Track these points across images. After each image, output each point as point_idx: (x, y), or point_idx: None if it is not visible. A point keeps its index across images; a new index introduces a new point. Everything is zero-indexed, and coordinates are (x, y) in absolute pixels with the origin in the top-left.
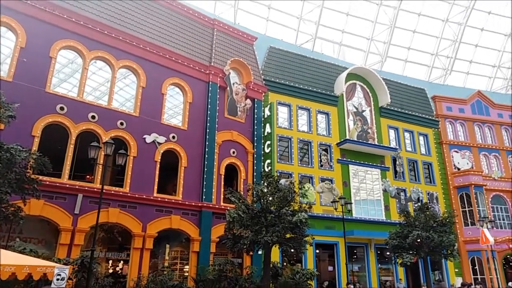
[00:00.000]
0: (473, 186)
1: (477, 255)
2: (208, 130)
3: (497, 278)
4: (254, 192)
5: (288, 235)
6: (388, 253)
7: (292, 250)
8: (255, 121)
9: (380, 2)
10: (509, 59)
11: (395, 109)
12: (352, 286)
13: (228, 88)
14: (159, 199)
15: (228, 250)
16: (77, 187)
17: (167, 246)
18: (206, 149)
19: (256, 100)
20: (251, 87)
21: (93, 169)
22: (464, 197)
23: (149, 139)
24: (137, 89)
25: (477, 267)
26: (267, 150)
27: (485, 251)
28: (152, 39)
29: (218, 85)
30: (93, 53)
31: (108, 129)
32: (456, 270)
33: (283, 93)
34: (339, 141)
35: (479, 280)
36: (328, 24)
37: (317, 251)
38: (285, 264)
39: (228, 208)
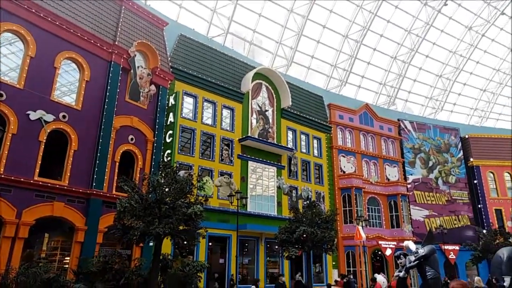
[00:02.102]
0: (354, 188)
1: (352, 250)
2: (105, 113)
3: (366, 270)
4: (150, 182)
5: (181, 227)
6: (276, 246)
7: (186, 243)
8: (158, 109)
9: (290, 8)
10: (391, 78)
11: (295, 112)
12: (283, 278)
13: (131, 71)
14: (40, 183)
15: (117, 242)
16: None
17: (47, 235)
18: (101, 133)
19: (161, 87)
20: (157, 73)
21: None
22: (346, 197)
23: (33, 116)
24: (24, 58)
25: (351, 260)
26: (168, 140)
27: (359, 246)
28: (47, 5)
29: (121, 66)
30: None
31: None
32: (334, 263)
33: (190, 84)
34: (241, 137)
35: (351, 272)
36: (241, 21)
37: (210, 243)
38: (179, 256)
39: (120, 197)
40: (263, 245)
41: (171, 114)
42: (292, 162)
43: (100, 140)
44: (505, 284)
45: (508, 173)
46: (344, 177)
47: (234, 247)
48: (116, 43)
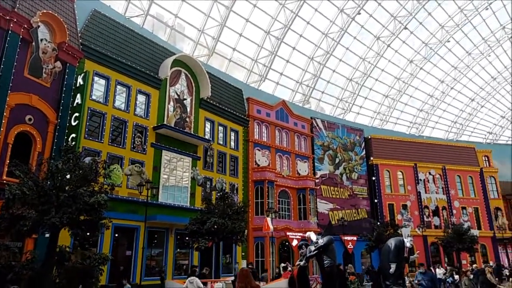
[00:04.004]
0: (267, 181)
1: (261, 241)
2: None
3: (273, 260)
4: (48, 168)
5: (82, 217)
6: (187, 238)
7: (88, 234)
8: (64, 89)
9: None
10: (308, 78)
11: (214, 103)
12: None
13: (33, 44)
14: None
15: (5, 233)
16: None
17: None
18: None
19: (68, 65)
20: (64, 49)
21: None
22: (259, 190)
23: None
24: None
25: (260, 251)
26: (74, 123)
27: (269, 237)
28: None
29: (21, 37)
30: None
31: None
32: (243, 253)
33: (103, 64)
34: (156, 125)
35: (259, 261)
36: (162, 4)
37: (116, 235)
38: (78, 248)
39: (10, 183)
40: (173, 237)
41: (78, 95)
42: (208, 153)
43: None
44: (391, 270)
45: (401, 171)
46: (258, 170)
47: (142, 239)
48: (16, 10)
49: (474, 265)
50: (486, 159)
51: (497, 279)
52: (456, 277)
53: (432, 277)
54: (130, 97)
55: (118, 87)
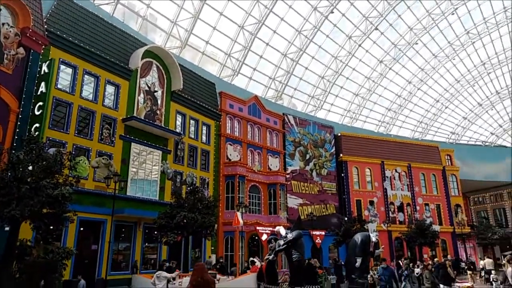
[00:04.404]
0: (238, 176)
1: (231, 235)
2: None
3: (242, 254)
4: (11, 159)
5: (45, 210)
6: (156, 232)
7: (51, 227)
8: (28, 76)
9: None
10: (280, 74)
11: (186, 96)
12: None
13: None
14: None
15: None
16: None
17: None
18: None
19: (32, 51)
20: (28, 35)
21: None
22: (230, 184)
23: None
24: None
25: (229, 245)
26: (37, 113)
27: (238, 232)
28: None
29: None
30: None
31: None
32: (213, 248)
33: (70, 52)
34: (125, 117)
35: (229, 256)
36: None
37: (82, 228)
38: (41, 242)
39: None
40: (141, 231)
41: (43, 84)
42: (179, 147)
43: None
44: (356, 264)
45: (369, 169)
46: (230, 164)
47: (109, 232)
48: None
49: (436, 259)
50: (449, 158)
51: (455, 272)
52: (418, 270)
53: (392, 272)
54: (98, 88)
55: (86, 76)
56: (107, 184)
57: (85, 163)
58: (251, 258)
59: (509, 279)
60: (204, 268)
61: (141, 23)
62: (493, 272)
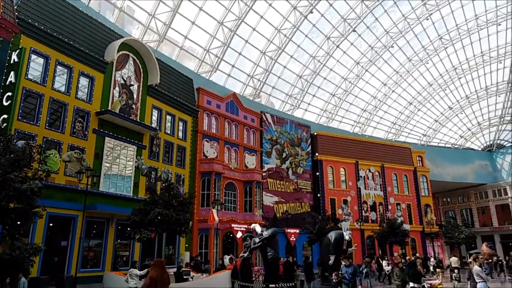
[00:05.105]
0: (214, 173)
1: (206, 233)
2: None
3: (217, 251)
4: None
5: (12, 205)
6: (129, 228)
7: (19, 223)
8: None
9: None
10: (259, 72)
11: (163, 91)
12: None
13: None
14: None
15: None
16: None
17: None
18: None
19: (1, 39)
20: None
21: None
22: (206, 181)
23: None
24: None
25: (204, 242)
26: (5, 103)
27: (213, 229)
28: None
29: None
30: None
31: None
32: (187, 245)
33: (41, 42)
34: (99, 111)
35: (203, 253)
36: None
37: (52, 224)
38: (7, 238)
39: None
40: (114, 227)
41: (12, 73)
42: (155, 142)
43: None
44: (330, 262)
45: (344, 168)
46: (206, 161)
47: (80, 229)
48: None
49: (407, 257)
50: (420, 159)
51: (424, 270)
52: (388, 268)
53: (354, 269)
54: (71, 79)
55: (59, 67)
56: (79, 179)
57: (56, 157)
58: (227, 256)
59: (474, 276)
60: (164, 265)
61: (118, 14)
62: (455, 271)
